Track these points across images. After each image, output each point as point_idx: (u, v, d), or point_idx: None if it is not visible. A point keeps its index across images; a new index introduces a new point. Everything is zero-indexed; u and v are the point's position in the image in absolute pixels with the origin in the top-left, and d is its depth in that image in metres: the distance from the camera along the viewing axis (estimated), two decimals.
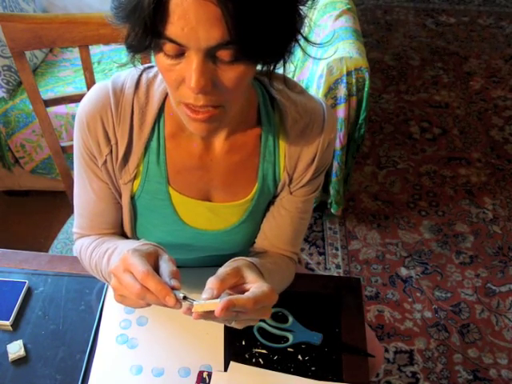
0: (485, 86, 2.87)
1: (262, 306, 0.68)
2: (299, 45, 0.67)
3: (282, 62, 0.68)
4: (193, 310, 0.66)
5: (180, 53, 0.61)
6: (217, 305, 0.64)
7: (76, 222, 0.94)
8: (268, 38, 0.60)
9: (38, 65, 2.09)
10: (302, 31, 0.65)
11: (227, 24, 0.57)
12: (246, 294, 0.67)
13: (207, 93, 0.63)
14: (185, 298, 0.65)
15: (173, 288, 0.65)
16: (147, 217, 0.89)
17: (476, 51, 3.13)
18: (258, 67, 0.69)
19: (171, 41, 0.60)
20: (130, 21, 0.61)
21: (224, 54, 0.61)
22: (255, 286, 0.69)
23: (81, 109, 0.81)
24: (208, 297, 0.66)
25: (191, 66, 0.61)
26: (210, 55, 0.61)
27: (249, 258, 0.79)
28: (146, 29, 0.59)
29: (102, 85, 0.80)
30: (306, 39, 0.67)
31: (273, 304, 0.69)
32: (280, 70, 0.71)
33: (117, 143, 0.80)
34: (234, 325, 0.71)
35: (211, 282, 0.67)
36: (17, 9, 2.02)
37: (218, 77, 0.63)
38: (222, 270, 0.71)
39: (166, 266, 0.68)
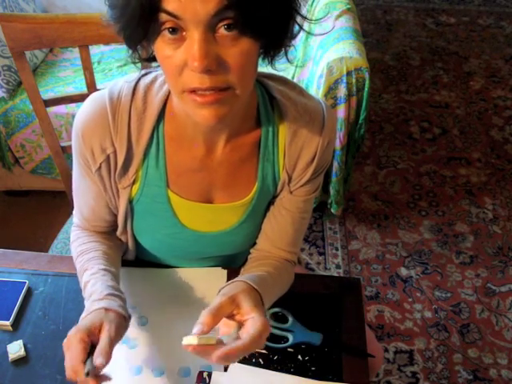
0: (485, 86, 2.87)
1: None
2: (299, 25, 0.66)
3: (282, 52, 0.69)
4: (184, 343, 0.67)
5: (179, 36, 0.61)
6: (212, 341, 0.67)
7: (75, 211, 0.95)
8: (266, 8, 0.60)
9: (37, 65, 2.09)
10: (299, 10, 0.65)
11: None
12: (241, 340, 0.68)
13: (212, 72, 0.61)
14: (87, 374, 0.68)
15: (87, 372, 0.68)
16: (146, 220, 0.89)
17: (476, 51, 3.13)
18: (261, 69, 0.69)
19: (169, 14, 0.58)
20: (124, 9, 0.61)
21: (224, 28, 0.60)
22: (249, 321, 0.70)
23: (77, 120, 0.80)
24: (198, 332, 0.67)
25: (193, 44, 0.60)
26: (210, 29, 0.60)
27: (249, 280, 0.78)
28: (142, 9, 0.58)
29: (99, 95, 0.80)
30: (302, 16, 0.66)
31: (266, 336, 0.70)
32: (283, 71, 0.72)
33: (115, 152, 0.80)
34: None
35: (203, 317, 0.68)
36: (17, 9, 2.02)
37: (222, 55, 0.62)
38: (218, 300, 0.72)
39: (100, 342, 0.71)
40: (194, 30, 0.59)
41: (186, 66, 0.62)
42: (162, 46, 0.63)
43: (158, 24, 0.60)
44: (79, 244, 0.92)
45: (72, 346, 0.70)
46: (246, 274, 0.84)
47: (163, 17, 0.59)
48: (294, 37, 0.69)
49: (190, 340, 0.66)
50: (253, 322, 0.70)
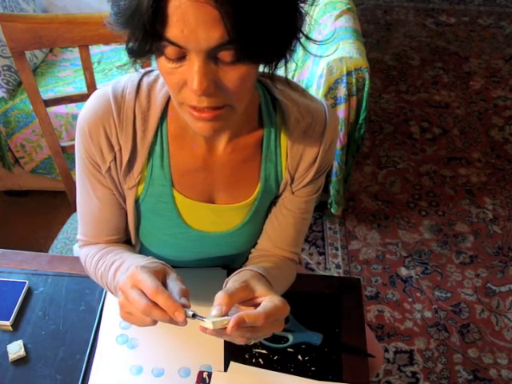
0: (485, 86, 2.87)
1: (275, 320, 0.68)
2: (300, 43, 0.66)
3: (283, 61, 0.68)
4: (202, 325, 0.66)
5: (181, 56, 0.61)
6: (226, 322, 0.64)
7: (80, 229, 0.93)
8: (268, 37, 0.60)
9: (37, 65, 2.09)
10: (302, 29, 0.64)
11: (226, 25, 0.56)
12: (257, 308, 0.67)
13: (210, 94, 0.63)
14: (194, 315, 0.65)
15: (183, 306, 0.65)
16: (151, 220, 0.89)
17: (476, 51, 3.13)
18: (260, 69, 0.69)
19: (171, 43, 0.59)
20: (129, 26, 0.61)
21: (225, 55, 0.60)
22: (266, 299, 0.69)
23: (81, 117, 0.80)
24: (217, 313, 0.66)
25: (193, 68, 0.60)
26: (211, 56, 0.60)
27: (255, 268, 0.79)
28: (145, 33, 0.59)
29: (102, 92, 0.79)
30: (307, 37, 0.66)
31: (285, 316, 0.69)
32: (281, 70, 0.71)
33: (120, 150, 0.80)
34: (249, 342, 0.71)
35: (220, 298, 0.67)
36: (17, 9, 2.02)
37: (221, 78, 0.62)
38: (230, 285, 0.71)
39: (175, 285, 0.69)
40: (194, 56, 0.60)
41: (186, 85, 0.63)
42: (164, 63, 0.63)
43: (160, 46, 0.61)
44: (95, 252, 0.89)
45: (141, 279, 0.66)
46: (251, 265, 0.84)
47: (165, 43, 0.60)
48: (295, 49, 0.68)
49: (207, 324, 0.65)
50: (270, 300, 0.69)
